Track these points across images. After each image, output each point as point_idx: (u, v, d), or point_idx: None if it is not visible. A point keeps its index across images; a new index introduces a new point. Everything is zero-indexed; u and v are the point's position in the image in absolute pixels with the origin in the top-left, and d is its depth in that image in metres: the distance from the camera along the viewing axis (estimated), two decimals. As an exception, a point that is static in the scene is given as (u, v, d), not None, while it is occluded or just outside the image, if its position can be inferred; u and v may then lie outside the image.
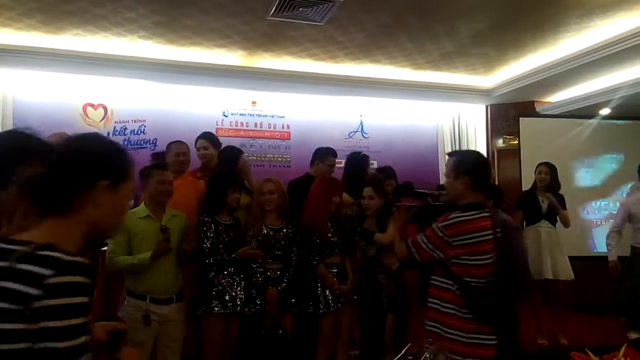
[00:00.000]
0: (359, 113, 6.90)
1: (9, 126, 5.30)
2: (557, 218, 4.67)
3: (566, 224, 4.73)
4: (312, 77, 5.88)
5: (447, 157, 4.70)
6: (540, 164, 4.74)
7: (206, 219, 3.21)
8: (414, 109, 7.05)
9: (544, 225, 4.61)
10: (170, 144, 3.92)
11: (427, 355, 1.47)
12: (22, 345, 0.94)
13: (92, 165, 1.16)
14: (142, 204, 3.06)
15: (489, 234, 2.32)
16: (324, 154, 4.20)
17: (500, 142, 7.06)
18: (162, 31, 4.74)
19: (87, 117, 5.82)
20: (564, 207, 4.66)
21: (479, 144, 7.14)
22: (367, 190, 3.58)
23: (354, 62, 5.70)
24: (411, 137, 6.99)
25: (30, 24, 4.53)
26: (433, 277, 2.44)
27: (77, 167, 1.13)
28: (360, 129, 6.89)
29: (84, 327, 0.99)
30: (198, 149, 4.07)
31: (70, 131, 5.40)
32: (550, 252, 4.53)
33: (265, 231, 3.29)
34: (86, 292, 1.00)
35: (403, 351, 1.54)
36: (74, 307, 0.98)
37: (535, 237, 4.59)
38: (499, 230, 2.37)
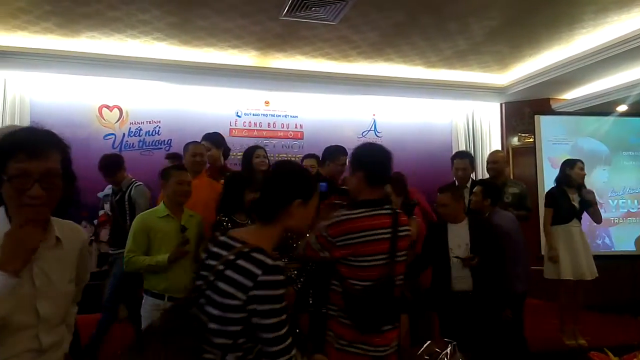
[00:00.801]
0: (372, 112, 6.89)
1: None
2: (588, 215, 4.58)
3: (599, 220, 4.65)
4: (325, 77, 5.89)
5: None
6: (578, 160, 4.60)
7: (223, 218, 3.22)
8: (428, 108, 7.02)
9: (575, 225, 4.47)
10: (187, 144, 3.94)
11: (444, 355, 1.46)
12: (240, 315, 1.43)
13: (293, 188, 1.59)
14: (162, 204, 3.09)
15: (383, 233, 2.13)
16: (336, 154, 4.10)
17: (515, 140, 6.99)
18: (176, 32, 4.78)
19: (103, 118, 5.88)
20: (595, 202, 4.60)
21: (494, 142, 7.09)
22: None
23: (367, 61, 5.69)
24: (424, 135, 6.96)
25: (47, 27, 4.60)
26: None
27: (283, 190, 1.59)
28: (373, 128, 6.88)
29: (284, 309, 1.45)
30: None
31: (85, 132, 5.47)
32: (586, 252, 4.43)
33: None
34: (282, 286, 1.46)
35: (420, 351, 1.54)
36: (275, 297, 1.44)
37: (568, 237, 4.43)
38: (402, 229, 2.19)
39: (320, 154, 4.24)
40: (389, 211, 2.20)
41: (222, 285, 1.46)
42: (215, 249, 1.55)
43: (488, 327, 3.26)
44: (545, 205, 4.59)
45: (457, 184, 4.47)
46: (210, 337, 1.46)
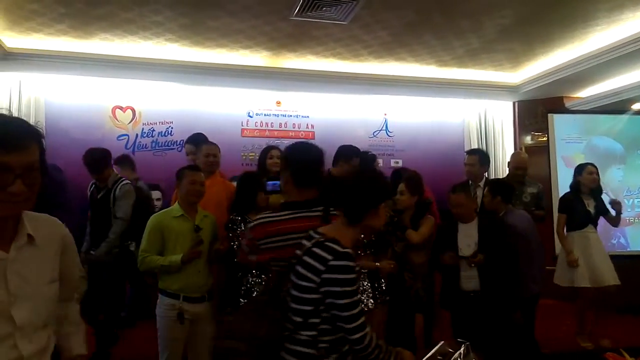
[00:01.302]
0: (383, 111, 6.87)
1: (42, 129, 5.44)
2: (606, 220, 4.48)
3: (617, 225, 4.59)
4: (336, 76, 5.89)
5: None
6: (588, 164, 4.48)
7: (237, 217, 3.23)
8: (439, 107, 6.98)
9: (591, 231, 4.34)
10: (200, 144, 3.96)
11: (457, 356, 1.46)
12: (313, 296, 1.69)
13: (379, 193, 1.83)
14: (176, 204, 3.11)
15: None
16: (349, 155, 4.06)
17: (528, 139, 6.94)
18: (188, 34, 4.81)
19: (116, 119, 5.94)
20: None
21: (506, 141, 7.05)
22: (400, 186, 3.58)
23: (378, 61, 5.67)
24: (436, 135, 6.93)
25: (61, 29, 4.65)
26: None
27: (372, 195, 1.81)
28: (384, 128, 6.86)
29: (356, 291, 1.68)
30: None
31: (99, 133, 5.51)
32: (604, 258, 4.31)
33: None
34: (352, 271, 1.68)
35: (432, 351, 1.53)
36: (346, 280, 1.66)
37: (583, 243, 4.31)
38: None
39: (332, 154, 4.19)
40: (318, 213, 2.04)
41: (300, 269, 1.75)
42: (303, 242, 1.83)
43: (497, 328, 3.25)
44: (559, 211, 4.50)
45: (469, 181, 4.46)
46: (290, 315, 1.76)
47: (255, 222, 2.10)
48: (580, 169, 4.46)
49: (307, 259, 1.73)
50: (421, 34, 4.93)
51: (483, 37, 4.99)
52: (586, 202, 4.37)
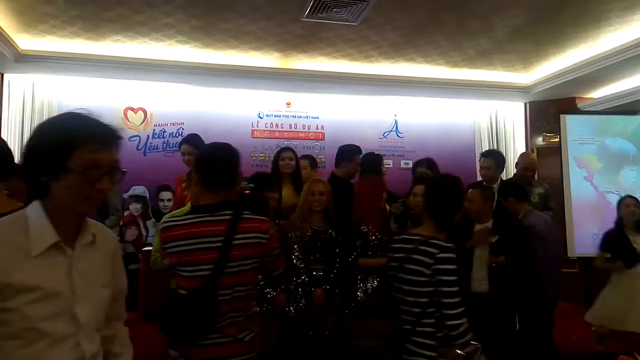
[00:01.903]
0: (393, 112, 6.86)
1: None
2: None
3: None
4: (346, 77, 5.89)
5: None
6: (628, 197, 4.22)
7: None
8: (450, 108, 6.96)
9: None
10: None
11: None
12: (427, 289, 1.96)
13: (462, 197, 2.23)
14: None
15: (213, 242, 1.91)
16: (353, 153, 4.06)
17: (540, 140, 6.88)
18: (199, 35, 4.84)
19: (128, 120, 5.98)
20: None
21: (518, 142, 7.00)
22: (419, 188, 3.46)
23: (389, 62, 5.66)
24: (447, 136, 6.90)
25: (73, 31, 4.70)
26: None
27: (460, 200, 2.20)
28: (394, 129, 6.85)
29: (458, 281, 1.96)
30: (183, 154, 3.93)
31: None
32: None
33: (310, 232, 3.31)
34: (456, 263, 1.98)
35: (440, 352, 1.53)
36: (452, 270, 1.95)
37: (630, 285, 3.95)
38: (241, 236, 1.93)
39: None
40: (224, 217, 1.95)
41: (410, 266, 2.00)
42: (397, 245, 2.13)
43: (510, 330, 3.22)
44: (599, 248, 4.19)
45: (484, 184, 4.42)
46: (409, 307, 1.99)
47: (162, 225, 2.04)
48: (619, 203, 4.21)
49: (415, 256, 2.00)
50: (432, 35, 4.91)
51: (494, 37, 4.96)
52: (632, 238, 4.04)
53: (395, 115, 6.87)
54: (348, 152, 4.07)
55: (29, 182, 1.22)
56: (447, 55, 5.48)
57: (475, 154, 6.91)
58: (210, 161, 2.05)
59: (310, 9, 4.21)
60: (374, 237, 3.31)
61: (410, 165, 6.46)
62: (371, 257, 3.29)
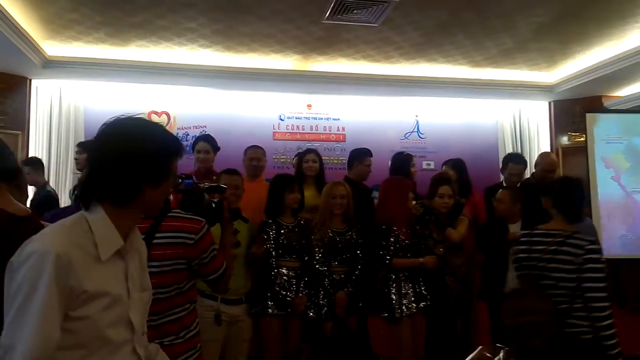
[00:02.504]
0: (414, 113, 6.81)
1: (81, 135, 5.65)
2: None
3: None
4: (366, 79, 5.88)
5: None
6: None
7: (268, 221, 3.26)
8: (472, 108, 6.88)
9: None
10: (246, 149, 4.03)
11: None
12: (575, 275, 2.26)
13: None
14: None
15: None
16: (361, 155, 4.13)
17: (565, 140, 6.76)
18: (221, 39, 4.89)
19: (151, 124, 6.06)
20: None
21: (542, 142, 6.88)
22: (445, 189, 3.47)
23: (410, 62, 5.64)
24: (469, 136, 6.82)
25: (98, 37, 4.79)
26: None
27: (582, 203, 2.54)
28: (416, 130, 6.80)
29: (605, 278, 2.24)
30: (199, 152, 4.02)
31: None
32: None
33: (331, 234, 3.31)
34: (602, 253, 2.30)
35: (471, 356, 1.51)
36: (600, 259, 2.25)
37: None
38: (163, 235, 1.86)
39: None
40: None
41: (560, 257, 2.28)
42: (536, 238, 2.41)
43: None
44: None
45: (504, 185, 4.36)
46: (562, 291, 2.26)
47: None
48: None
49: (565, 248, 2.28)
50: (453, 35, 4.87)
51: (517, 36, 4.90)
52: None
53: (417, 116, 6.82)
54: (357, 155, 4.15)
55: (123, 188, 1.21)
56: (469, 54, 5.42)
57: (498, 154, 6.82)
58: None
59: (331, 11, 4.22)
60: (404, 237, 3.27)
61: (432, 167, 6.45)
62: (404, 258, 3.27)
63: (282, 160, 6.30)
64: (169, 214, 1.90)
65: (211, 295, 3.00)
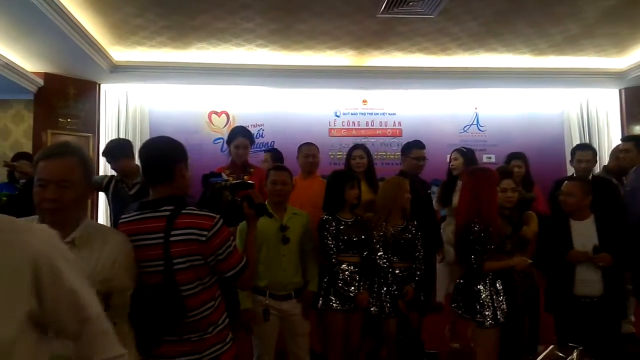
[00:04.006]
0: (473, 105, 6.64)
1: (147, 135, 5.91)
2: None
3: None
4: (423, 72, 5.78)
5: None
6: None
7: (327, 217, 3.28)
8: (536, 98, 6.62)
9: None
10: (300, 145, 4.08)
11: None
12: None
13: None
14: (265, 203, 3.22)
15: (154, 238, 1.87)
16: (408, 148, 4.11)
17: (638, 129, 6.36)
18: (277, 38, 4.95)
19: (212, 124, 6.26)
20: None
21: (613, 132, 6.51)
22: (507, 183, 3.27)
23: (468, 53, 5.49)
24: (533, 127, 6.56)
25: (161, 41, 4.98)
26: None
27: None
28: (475, 122, 6.62)
29: None
30: (237, 147, 3.96)
31: (197, 137, 5.79)
32: None
33: (392, 230, 3.29)
34: None
35: (543, 354, 1.46)
36: None
37: None
38: (178, 232, 1.86)
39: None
40: (165, 213, 1.90)
41: None
42: None
43: (616, 336, 2.99)
44: None
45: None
46: None
47: (120, 220, 2.04)
48: None
49: None
50: (514, 23, 4.70)
51: (583, 21, 4.65)
52: None
53: (476, 108, 6.64)
54: (405, 148, 4.18)
55: None
56: (531, 42, 5.21)
57: (565, 146, 6.52)
58: (148, 157, 2.02)
59: (386, 4, 4.17)
60: (495, 236, 3.00)
61: (493, 160, 6.26)
62: (495, 260, 2.99)
63: (338, 156, 6.32)
64: (183, 211, 1.91)
65: (260, 291, 3.05)
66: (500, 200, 3.22)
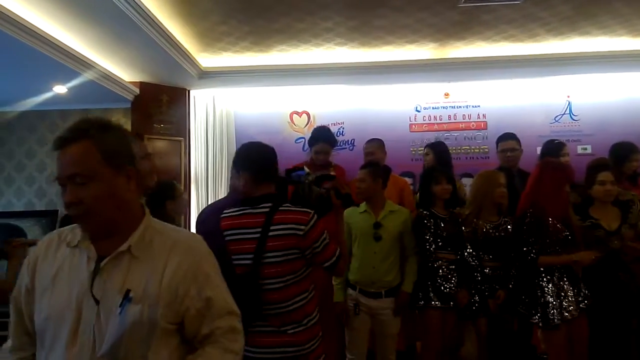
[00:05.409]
0: (565, 93, 6.25)
1: (233, 137, 6.18)
2: None
3: None
4: (508, 61, 5.53)
5: None
6: None
7: (424, 212, 3.24)
8: (636, 82, 6.10)
9: None
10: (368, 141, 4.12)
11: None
12: None
13: None
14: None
15: (251, 233, 2.08)
16: (498, 140, 4.11)
17: None
18: (356, 35, 4.97)
19: (294, 124, 6.40)
20: None
21: None
22: (606, 175, 3.11)
23: (558, 38, 5.18)
24: (633, 114, 6.06)
25: (244, 45, 5.17)
26: None
27: None
28: (568, 111, 6.23)
29: None
30: (318, 152, 4.11)
31: (280, 137, 5.95)
32: None
33: (485, 228, 3.19)
34: None
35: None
36: None
37: None
38: (277, 228, 2.06)
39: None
40: (265, 210, 2.11)
41: None
42: None
43: None
44: None
45: None
46: None
47: (222, 214, 2.23)
48: None
49: None
50: (609, 3, 4.37)
51: (692, -5, 4.24)
52: None
53: (568, 97, 6.24)
54: (497, 141, 4.03)
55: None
56: (629, 23, 4.82)
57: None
58: (253, 158, 2.22)
59: (468, -7, 4.05)
60: (557, 230, 2.96)
61: (589, 151, 5.88)
62: (552, 255, 2.96)
63: (419, 152, 6.20)
64: (280, 208, 2.10)
65: (352, 285, 3.09)
66: (596, 194, 3.06)
